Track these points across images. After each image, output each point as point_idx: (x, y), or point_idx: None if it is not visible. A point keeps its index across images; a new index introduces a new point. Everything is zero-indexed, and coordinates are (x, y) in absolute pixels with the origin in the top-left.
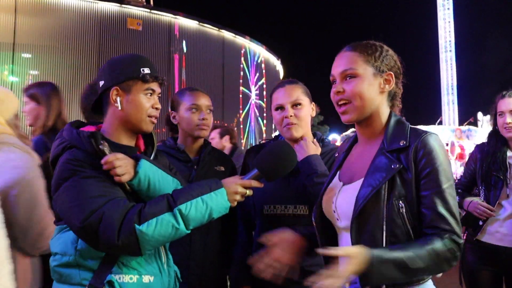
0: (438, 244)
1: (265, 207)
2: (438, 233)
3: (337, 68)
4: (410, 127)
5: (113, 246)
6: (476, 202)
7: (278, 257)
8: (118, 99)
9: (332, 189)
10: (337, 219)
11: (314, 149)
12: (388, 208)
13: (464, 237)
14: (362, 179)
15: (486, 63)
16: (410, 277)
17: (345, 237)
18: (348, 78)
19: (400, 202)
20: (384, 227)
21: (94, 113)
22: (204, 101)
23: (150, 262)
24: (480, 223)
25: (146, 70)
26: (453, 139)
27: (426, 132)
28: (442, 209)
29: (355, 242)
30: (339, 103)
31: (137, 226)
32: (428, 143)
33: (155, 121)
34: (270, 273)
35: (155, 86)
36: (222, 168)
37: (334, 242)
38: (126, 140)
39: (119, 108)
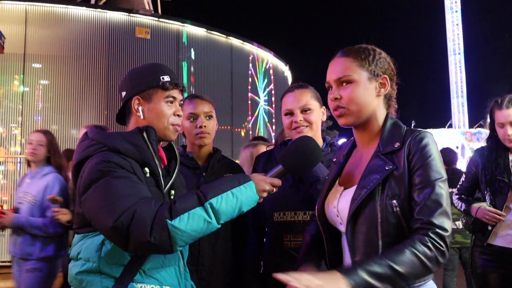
0: (420, 247)
1: (275, 214)
2: (420, 233)
3: (331, 75)
4: (406, 128)
5: (145, 243)
6: (484, 208)
7: None
8: (140, 108)
9: (334, 194)
10: (340, 223)
11: None
12: (382, 208)
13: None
14: None
15: (495, 65)
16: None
17: (344, 240)
18: (343, 84)
19: (394, 201)
20: (379, 227)
21: (118, 123)
22: (202, 108)
23: (171, 274)
24: (489, 228)
25: (166, 78)
26: (463, 142)
27: (420, 130)
28: (429, 202)
29: (350, 243)
30: (336, 108)
31: (169, 221)
32: (421, 140)
33: (179, 129)
34: None
35: (175, 93)
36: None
37: (338, 247)
38: None
39: (142, 117)
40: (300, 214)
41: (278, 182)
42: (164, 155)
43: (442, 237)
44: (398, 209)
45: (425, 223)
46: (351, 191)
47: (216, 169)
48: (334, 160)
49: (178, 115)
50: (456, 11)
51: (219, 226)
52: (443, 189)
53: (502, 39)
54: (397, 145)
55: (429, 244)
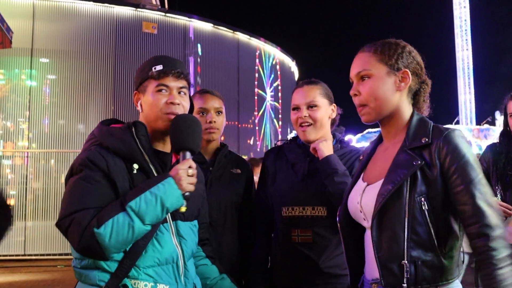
0: (500, 263)
1: (283, 209)
2: (483, 245)
3: (353, 70)
4: (433, 125)
5: (77, 249)
6: (495, 201)
7: None
8: (139, 102)
9: (357, 190)
10: (364, 219)
11: (331, 149)
12: (409, 204)
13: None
14: None
15: (503, 62)
16: None
17: (368, 236)
18: (363, 79)
19: (422, 199)
20: (406, 224)
21: None
22: (213, 103)
23: (167, 272)
24: None
25: (158, 67)
26: (470, 139)
27: (448, 129)
28: (480, 202)
29: (376, 239)
30: (358, 106)
31: (95, 229)
32: (451, 140)
33: (172, 117)
34: None
35: (168, 81)
36: (239, 171)
37: (360, 243)
38: (160, 145)
39: (141, 110)
40: (308, 209)
41: (190, 163)
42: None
43: (501, 236)
44: (426, 207)
45: (481, 227)
46: (375, 187)
47: (223, 164)
48: (360, 158)
49: (172, 103)
50: (465, 7)
51: (148, 227)
52: (485, 186)
53: (511, 36)
54: (424, 140)
55: (501, 256)
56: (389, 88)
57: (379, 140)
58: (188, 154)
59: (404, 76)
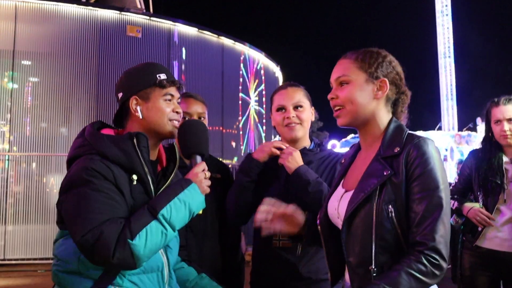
0: (414, 266)
1: None
2: (416, 248)
3: (333, 75)
4: (408, 133)
5: (108, 262)
6: (477, 209)
7: (280, 228)
8: (138, 108)
9: (336, 196)
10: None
11: (299, 160)
12: (377, 212)
13: (461, 241)
14: None
15: (485, 69)
16: None
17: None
18: (342, 85)
19: (390, 206)
20: (373, 231)
21: (115, 125)
22: (196, 108)
23: (152, 280)
24: (479, 229)
25: (162, 76)
26: (452, 145)
27: (420, 137)
28: (426, 213)
29: (345, 244)
30: (335, 108)
31: (130, 241)
32: (421, 147)
33: (177, 124)
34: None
35: (173, 90)
36: (219, 176)
37: (341, 247)
38: (151, 153)
39: (140, 117)
40: None
41: (204, 166)
42: (164, 157)
43: (437, 251)
44: (393, 214)
45: (421, 236)
46: (350, 194)
47: None
48: (342, 162)
49: (177, 112)
50: (447, 15)
51: (176, 233)
52: (441, 199)
53: (493, 43)
54: (397, 150)
55: (424, 261)
56: (366, 95)
57: (358, 147)
58: (199, 158)
59: (382, 84)
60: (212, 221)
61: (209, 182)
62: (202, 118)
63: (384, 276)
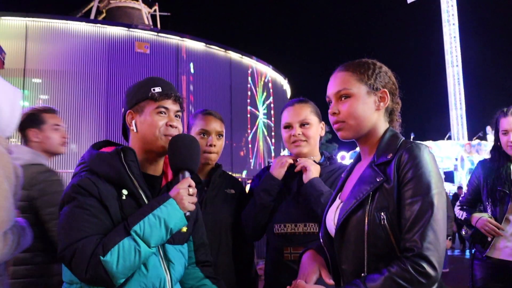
0: (398, 271)
1: (276, 226)
2: (404, 254)
3: (331, 89)
4: (403, 140)
5: (83, 279)
6: (486, 219)
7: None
8: (133, 122)
9: (333, 208)
10: None
11: (316, 170)
12: (369, 220)
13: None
14: None
15: (493, 77)
16: None
17: None
18: (342, 99)
19: (382, 214)
20: (366, 238)
21: (125, 139)
22: (215, 126)
23: None
24: (489, 239)
25: (157, 89)
26: (462, 154)
27: (413, 142)
28: (416, 219)
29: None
30: (335, 123)
31: (101, 257)
32: (413, 151)
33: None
34: None
35: (168, 103)
36: (233, 191)
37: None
38: (151, 168)
39: (135, 130)
40: (300, 226)
41: (189, 182)
42: (170, 169)
43: (425, 258)
44: (385, 222)
45: (410, 242)
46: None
47: (217, 184)
48: (342, 176)
49: (171, 126)
50: (454, 24)
51: (153, 249)
52: (432, 204)
53: (500, 51)
54: (389, 156)
55: (409, 268)
56: (368, 107)
57: (358, 159)
58: (187, 174)
59: (383, 95)
60: (226, 237)
61: (194, 199)
62: (220, 136)
63: (368, 277)
